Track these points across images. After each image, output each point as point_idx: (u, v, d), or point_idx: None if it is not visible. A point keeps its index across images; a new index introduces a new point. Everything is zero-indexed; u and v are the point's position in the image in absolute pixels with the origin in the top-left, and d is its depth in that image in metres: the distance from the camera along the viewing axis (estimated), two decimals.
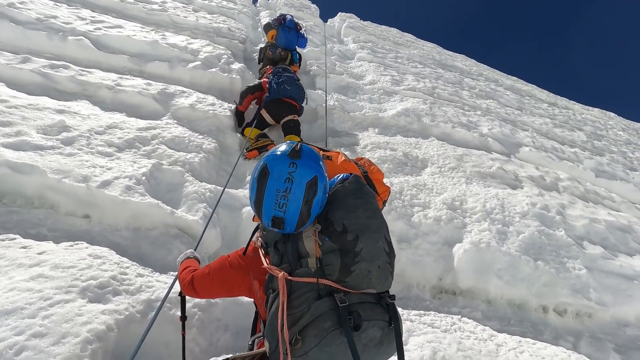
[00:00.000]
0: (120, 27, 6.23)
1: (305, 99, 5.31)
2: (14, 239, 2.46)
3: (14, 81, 4.11)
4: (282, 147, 1.48)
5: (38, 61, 4.55)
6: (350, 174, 1.58)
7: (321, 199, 1.44)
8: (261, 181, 1.43)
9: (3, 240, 2.42)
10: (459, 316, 3.15)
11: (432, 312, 3.10)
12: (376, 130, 6.01)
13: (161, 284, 2.47)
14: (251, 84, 5.50)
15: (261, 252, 1.55)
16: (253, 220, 1.83)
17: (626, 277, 4.07)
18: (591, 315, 3.75)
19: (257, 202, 1.45)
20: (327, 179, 1.50)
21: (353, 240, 1.37)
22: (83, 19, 6.00)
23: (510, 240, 4.04)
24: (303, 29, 7.18)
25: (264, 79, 5.31)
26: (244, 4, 11.46)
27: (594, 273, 3.97)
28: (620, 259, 4.31)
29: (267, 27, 7.63)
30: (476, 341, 2.83)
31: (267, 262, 1.48)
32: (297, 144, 1.47)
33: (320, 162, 1.49)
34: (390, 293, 1.47)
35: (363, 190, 1.51)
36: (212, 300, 2.56)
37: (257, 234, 1.65)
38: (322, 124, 5.94)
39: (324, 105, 6.43)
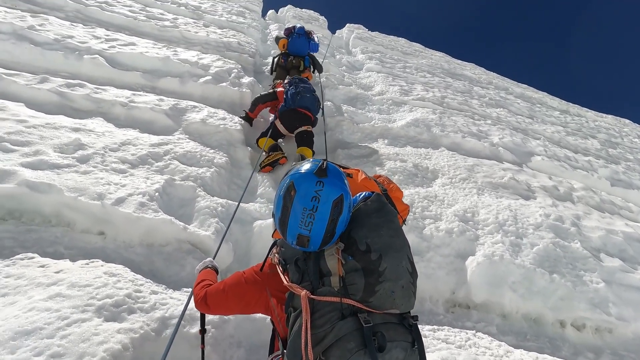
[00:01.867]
0: (133, 44, 6.39)
1: (320, 110, 5.35)
2: (33, 257, 2.51)
3: (32, 101, 4.23)
4: (308, 165, 1.48)
5: (55, 80, 4.68)
6: (372, 192, 1.59)
7: (346, 217, 1.45)
8: (287, 199, 1.44)
9: (22, 259, 2.47)
10: (474, 331, 3.09)
11: (446, 327, 3.05)
12: (386, 142, 6.01)
13: (175, 301, 2.49)
14: (265, 93, 5.58)
15: (279, 269, 1.55)
16: (272, 236, 1.84)
17: None
18: (611, 330, 3.65)
19: (283, 220, 1.46)
20: (351, 197, 1.51)
21: (377, 260, 1.37)
22: (98, 38, 6.17)
23: (524, 252, 3.98)
24: (314, 35, 7.33)
25: (280, 89, 5.37)
26: (253, 18, 11.65)
27: (612, 286, 3.88)
28: None
29: (278, 39, 7.81)
30: (492, 357, 2.78)
31: (287, 279, 1.48)
32: (323, 162, 1.47)
33: (345, 181, 1.50)
34: (412, 313, 1.46)
35: (385, 209, 1.51)
36: (225, 316, 2.57)
37: (274, 250, 1.65)
38: (330, 136, 5.97)
39: (333, 116, 6.48)
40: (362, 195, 1.59)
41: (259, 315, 2.66)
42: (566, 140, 9.05)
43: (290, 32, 7.36)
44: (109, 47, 5.95)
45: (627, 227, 5.06)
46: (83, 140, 3.73)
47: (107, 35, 6.40)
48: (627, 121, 15.61)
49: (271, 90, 5.64)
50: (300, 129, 4.93)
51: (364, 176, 2.52)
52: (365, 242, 1.39)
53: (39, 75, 4.65)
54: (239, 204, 3.19)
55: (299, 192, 1.41)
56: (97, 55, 5.50)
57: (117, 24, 7.29)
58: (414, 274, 1.47)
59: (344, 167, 2.63)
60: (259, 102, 5.46)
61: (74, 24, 6.46)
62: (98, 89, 4.86)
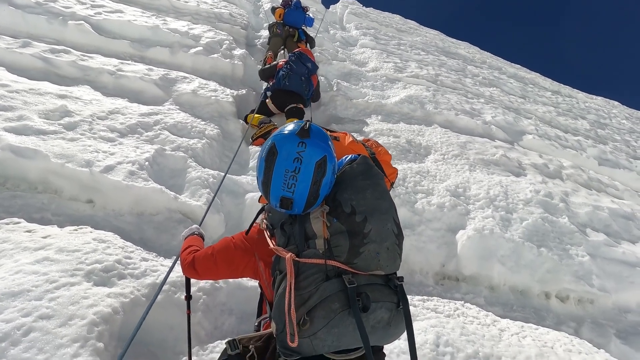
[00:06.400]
0: (120, 11, 6.15)
1: (311, 93, 5.30)
2: (19, 222, 2.46)
3: (14, 66, 4.07)
4: (290, 127, 1.44)
5: (38, 45, 4.50)
6: (359, 154, 1.56)
7: (330, 179, 1.42)
8: (269, 161, 1.40)
9: (7, 224, 2.41)
10: (462, 302, 3.16)
11: (435, 298, 3.11)
12: (379, 118, 5.96)
13: (165, 268, 2.47)
14: (266, 68, 5.45)
15: (267, 234, 1.53)
16: (259, 201, 1.82)
17: (628, 264, 4.07)
18: (593, 301, 3.76)
19: (265, 183, 1.43)
20: (336, 159, 1.48)
21: (362, 222, 1.35)
22: (83, 3, 5.92)
23: (513, 227, 4.04)
24: (309, 12, 7.36)
25: (281, 62, 5.29)
26: None
27: (596, 260, 3.98)
28: (623, 246, 4.31)
29: (274, 8, 7.82)
30: (479, 326, 2.84)
31: (274, 243, 1.47)
32: (306, 123, 1.43)
33: (329, 142, 1.46)
34: (398, 275, 1.46)
35: (372, 171, 1.48)
36: (216, 284, 2.57)
37: (262, 216, 1.63)
38: (324, 111, 5.90)
39: (326, 92, 6.39)
40: (347, 158, 1.56)
41: (251, 283, 2.66)
42: (557, 120, 9.10)
43: (287, 3, 7.45)
44: (95, 13, 5.72)
45: (613, 203, 5.16)
46: (69, 107, 3.61)
47: (93, 2, 6.14)
48: (616, 103, 15.74)
49: (273, 64, 5.53)
50: (290, 105, 4.91)
51: (351, 139, 2.47)
52: (350, 204, 1.38)
53: (21, 39, 4.46)
54: (226, 173, 3.16)
55: (281, 154, 1.38)
56: (82, 22, 5.28)
57: None
58: (399, 235, 1.46)
59: (331, 131, 2.58)
60: (268, 75, 5.38)
61: None
62: (84, 56, 4.69)
